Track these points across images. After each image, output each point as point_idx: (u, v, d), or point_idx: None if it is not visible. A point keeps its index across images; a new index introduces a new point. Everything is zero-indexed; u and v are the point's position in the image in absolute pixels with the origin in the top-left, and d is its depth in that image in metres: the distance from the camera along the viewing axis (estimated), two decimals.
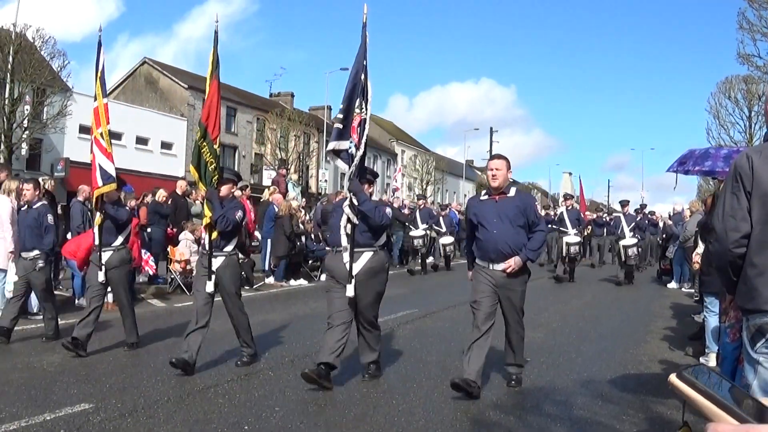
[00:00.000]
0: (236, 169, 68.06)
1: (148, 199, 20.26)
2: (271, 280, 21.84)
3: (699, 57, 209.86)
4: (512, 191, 9.19)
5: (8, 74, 41.14)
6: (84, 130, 48.10)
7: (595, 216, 38.00)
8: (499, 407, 8.30)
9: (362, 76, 9.41)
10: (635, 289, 23.10)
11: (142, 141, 57.27)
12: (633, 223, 26.05)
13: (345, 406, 8.20)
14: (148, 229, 19.26)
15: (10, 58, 41.23)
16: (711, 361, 10.90)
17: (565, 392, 9.14)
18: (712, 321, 11.11)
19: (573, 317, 16.36)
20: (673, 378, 1.80)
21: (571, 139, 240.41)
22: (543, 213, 30.80)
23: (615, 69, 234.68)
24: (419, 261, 28.99)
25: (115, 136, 48.94)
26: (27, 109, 42.50)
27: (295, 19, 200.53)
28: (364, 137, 9.37)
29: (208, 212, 10.24)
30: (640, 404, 8.61)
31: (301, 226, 22.74)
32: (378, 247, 9.52)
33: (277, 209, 21.77)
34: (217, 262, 10.37)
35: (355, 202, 9.21)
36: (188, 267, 18.67)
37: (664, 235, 32.37)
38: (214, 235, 10.33)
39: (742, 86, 53.59)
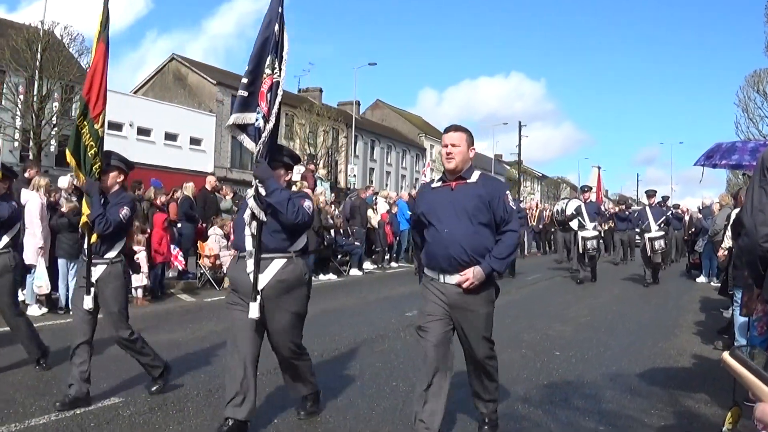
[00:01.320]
0: None
1: (178, 194, 20.32)
2: None
3: (727, 50, 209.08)
4: (474, 176, 6.73)
5: (37, 71, 41.44)
6: (112, 126, 48.30)
7: (617, 209, 36.17)
8: (527, 401, 8.31)
9: (276, 27, 7.19)
10: (664, 284, 22.98)
11: (170, 137, 57.56)
12: (661, 216, 23.59)
13: (374, 399, 8.20)
14: (178, 225, 19.33)
15: (39, 56, 41.52)
16: None
17: (594, 386, 9.15)
18: (740, 315, 11.08)
19: (601, 311, 16.33)
20: (725, 356, 1.80)
21: (600, 133, 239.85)
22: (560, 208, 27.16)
23: (644, 62, 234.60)
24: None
25: (143, 131, 49.22)
26: (56, 106, 42.83)
27: (324, 14, 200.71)
28: (276, 105, 7.10)
29: (85, 209, 7.91)
30: (669, 398, 8.60)
31: (330, 220, 22.80)
32: (294, 253, 7.14)
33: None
34: (97, 272, 8.03)
35: (262, 191, 6.94)
36: (217, 262, 18.75)
37: (692, 230, 32.24)
38: (94, 238, 7.95)
39: None
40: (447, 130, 6.97)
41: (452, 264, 6.59)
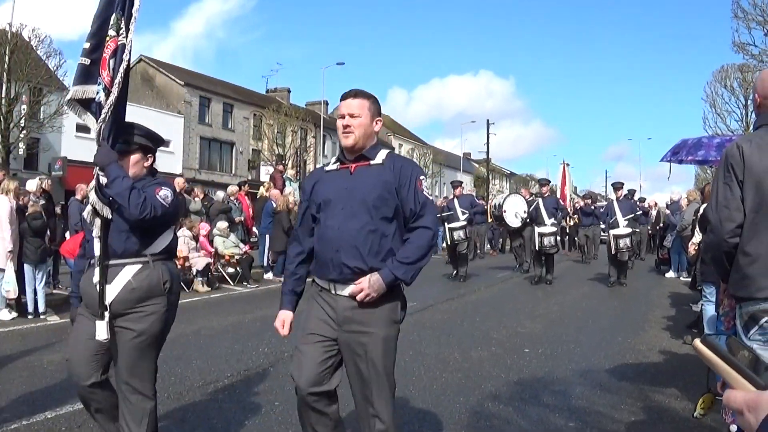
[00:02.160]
0: (234, 165, 68.52)
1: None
2: (269, 275, 21.89)
3: (694, 46, 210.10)
4: (380, 156, 5.29)
5: (4, 74, 41.17)
6: (81, 128, 48.11)
7: (582, 204, 33.59)
8: (497, 398, 8.32)
9: None
10: (633, 279, 23.01)
11: None
12: (630, 211, 22.11)
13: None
14: None
15: (6, 58, 41.27)
16: None
17: (564, 382, 9.18)
18: (710, 310, 11.11)
19: (571, 308, 16.40)
20: (697, 342, 1.82)
21: (570, 131, 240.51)
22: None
23: (612, 59, 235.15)
24: None
25: None
26: (24, 109, 42.57)
27: (293, 15, 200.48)
28: (121, 73, 5.63)
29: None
30: (639, 393, 8.64)
31: None
32: (152, 256, 5.65)
33: (274, 205, 21.78)
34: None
35: (103, 181, 5.46)
36: (187, 264, 18.70)
37: (660, 225, 32.37)
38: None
39: (737, 75, 53.59)
40: (345, 96, 5.36)
41: (344, 272, 5.03)
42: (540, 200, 22.65)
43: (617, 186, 23.00)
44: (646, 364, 10.50)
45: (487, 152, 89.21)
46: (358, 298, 4.97)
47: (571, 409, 7.89)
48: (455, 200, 23.60)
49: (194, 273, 18.89)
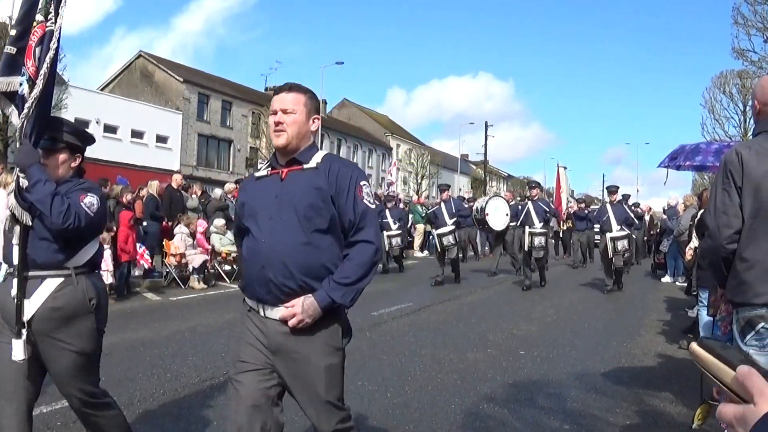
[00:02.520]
0: (231, 162, 68.52)
1: (144, 192, 20.24)
2: None
3: (694, 52, 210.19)
4: (315, 159, 4.70)
5: None
6: (80, 123, 48.20)
7: (575, 208, 32.80)
8: (493, 400, 8.33)
9: None
10: (629, 284, 22.96)
11: (137, 134, 57.34)
12: (624, 215, 20.93)
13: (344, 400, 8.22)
14: (144, 223, 19.28)
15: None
16: None
17: (559, 385, 9.18)
18: (706, 315, 11.16)
19: (566, 311, 16.39)
20: (693, 346, 1.81)
21: (568, 134, 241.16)
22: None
23: (612, 63, 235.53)
24: None
25: (110, 129, 48.97)
26: None
27: (293, 14, 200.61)
28: (47, 63, 4.99)
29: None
30: (634, 397, 8.65)
31: None
32: (75, 269, 5.15)
33: None
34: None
35: (23, 184, 4.94)
36: (183, 261, 18.74)
37: (653, 231, 32.43)
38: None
39: (736, 81, 53.65)
40: (278, 90, 4.84)
41: (272, 291, 4.43)
42: (530, 203, 21.94)
43: (612, 189, 22.13)
44: (642, 368, 10.51)
45: (485, 154, 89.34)
46: (290, 323, 4.37)
47: (566, 412, 7.90)
48: (442, 204, 22.93)
49: (191, 270, 18.92)
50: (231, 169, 68.00)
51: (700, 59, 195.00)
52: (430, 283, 21.96)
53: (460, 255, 25.05)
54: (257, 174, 4.95)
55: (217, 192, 25.06)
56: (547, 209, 22.19)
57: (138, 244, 17.73)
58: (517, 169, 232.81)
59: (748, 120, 52.41)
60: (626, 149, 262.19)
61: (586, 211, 30.58)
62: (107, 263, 15.49)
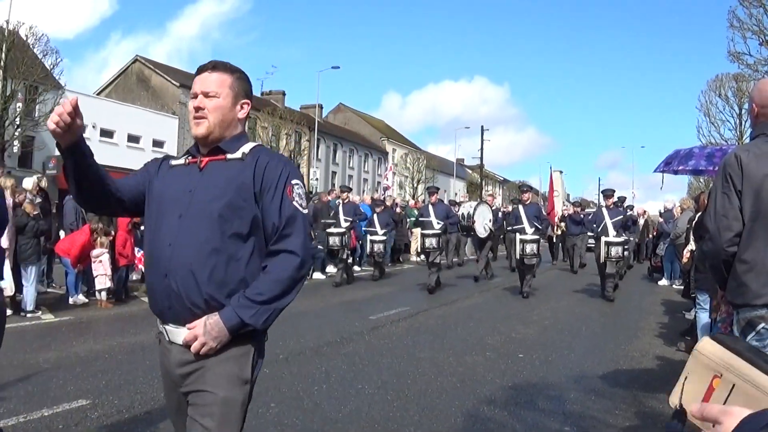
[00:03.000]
0: None
1: None
2: None
3: (690, 55, 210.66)
4: (242, 150, 3.94)
5: (0, 72, 41.13)
6: None
7: (571, 211, 32.25)
8: (493, 402, 8.36)
9: None
10: (626, 287, 23.04)
11: (133, 139, 57.25)
12: (620, 219, 20.19)
13: (340, 401, 8.24)
14: (142, 227, 19.27)
15: (3, 56, 41.23)
16: None
17: (558, 387, 9.21)
18: (704, 317, 11.19)
19: (564, 314, 16.42)
20: (707, 340, 1.82)
21: (563, 138, 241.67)
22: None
23: (607, 67, 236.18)
24: (340, 266, 23.09)
25: (106, 133, 48.96)
26: (19, 107, 42.51)
27: (289, 18, 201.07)
28: None
29: None
30: (632, 399, 8.69)
31: None
32: None
33: None
34: None
35: None
36: None
37: (651, 234, 32.50)
38: None
39: (732, 84, 53.89)
40: (200, 69, 3.99)
41: (174, 306, 3.67)
42: (521, 207, 20.97)
43: (608, 193, 21.37)
44: (640, 370, 10.54)
45: (481, 158, 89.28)
46: (192, 348, 3.58)
47: (565, 414, 7.93)
48: (430, 207, 22.07)
49: None
50: None
51: (696, 62, 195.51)
52: (420, 288, 21.45)
53: (443, 261, 24.39)
54: (173, 162, 4.11)
55: None
56: (539, 214, 20.95)
57: (136, 249, 17.74)
58: (512, 174, 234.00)
59: (743, 123, 52.61)
60: (622, 153, 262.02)
61: (582, 215, 30.07)
62: (105, 267, 15.54)
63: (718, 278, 4.98)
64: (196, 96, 3.88)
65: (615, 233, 19.90)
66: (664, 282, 24.84)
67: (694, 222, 12.84)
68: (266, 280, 3.63)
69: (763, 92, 4.91)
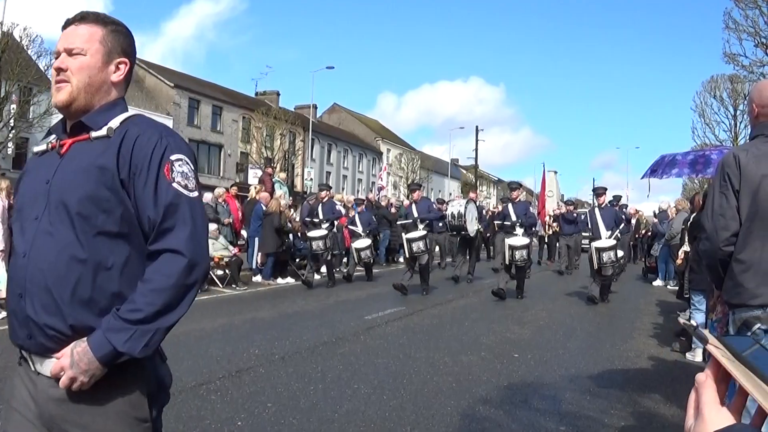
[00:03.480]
0: (222, 167, 68.46)
1: None
2: (258, 278, 21.86)
3: (685, 56, 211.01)
4: (110, 125, 3.02)
5: None
6: None
7: (563, 210, 30.90)
8: (488, 402, 8.37)
9: None
10: (621, 287, 23.03)
11: None
12: (613, 219, 18.89)
13: (336, 401, 8.25)
14: None
15: None
16: (697, 356, 11.04)
17: (554, 387, 9.23)
18: (699, 318, 11.21)
19: (559, 314, 16.43)
20: (711, 340, 1.79)
21: (559, 138, 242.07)
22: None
23: (603, 68, 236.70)
24: (312, 268, 21.99)
25: None
26: (13, 108, 42.53)
27: (284, 18, 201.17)
28: None
29: None
30: (628, 399, 8.71)
31: (289, 224, 22.72)
32: None
33: (264, 207, 21.76)
34: None
35: None
36: None
37: (638, 234, 32.59)
38: None
39: (727, 85, 54.11)
40: (67, 22, 3.14)
41: (34, 334, 2.88)
42: (510, 206, 19.85)
43: (599, 191, 19.70)
44: (635, 370, 10.57)
45: (476, 158, 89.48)
46: (61, 384, 2.78)
47: (561, 414, 7.94)
48: (413, 206, 20.86)
49: None
50: (221, 174, 67.93)
51: (691, 64, 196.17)
52: (422, 292, 19.92)
53: (436, 262, 23.63)
54: (36, 148, 3.31)
55: (207, 196, 25.04)
56: (526, 213, 19.79)
57: None
58: (507, 174, 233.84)
59: (738, 124, 52.82)
60: (616, 154, 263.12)
61: (574, 215, 29.50)
62: None
63: (714, 278, 5.01)
64: (58, 54, 3.07)
65: (608, 233, 18.57)
66: (658, 283, 24.90)
67: (689, 223, 12.89)
68: (144, 292, 2.81)
69: (763, 92, 4.94)
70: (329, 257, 22.01)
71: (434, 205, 24.77)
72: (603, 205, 19.35)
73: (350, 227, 24.30)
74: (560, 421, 7.68)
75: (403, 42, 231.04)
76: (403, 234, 20.90)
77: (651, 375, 10.30)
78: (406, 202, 25.42)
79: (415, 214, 20.41)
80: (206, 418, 7.45)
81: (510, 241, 18.83)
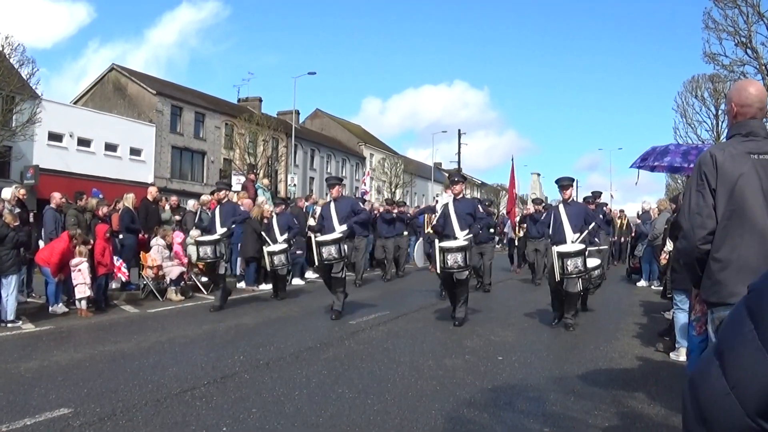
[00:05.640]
0: (205, 174, 68.38)
1: (120, 205, 20.25)
2: (242, 285, 21.84)
3: (666, 57, 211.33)
4: None
5: None
6: (53, 137, 48.39)
7: (533, 210, 26.66)
8: (473, 405, 8.39)
9: None
10: (604, 288, 22.91)
11: (110, 147, 57.18)
12: (581, 217, 14.89)
13: (321, 406, 8.25)
14: (120, 236, 19.25)
15: None
16: (681, 356, 11.07)
17: (538, 389, 9.24)
18: (682, 317, 11.25)
19: (543, 316, 16.37)
20: None
21: (542, 141, 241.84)
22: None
23: (585, 69, 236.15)
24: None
25: (84, 142, 48.82)
26: None
27: (266, 25, 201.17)
28: None
29: None
30: (612, 399, 8.73)
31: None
32: None
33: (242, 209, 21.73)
34: None
35: None
36: (160, 273, 18.72)
37: (627, 236, 32.63)
38: None
39: (708, 85, 54.38)
40: None
41: None
42: (451, 204, 15.58)
43: (564, 183, 15.13)
44: (619, 370, 10.60)
45: (459, 162, 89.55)
46: None
47: (545, 415, 7.96)
48: (332, 205, 16.45)
49: (168, 282, 18.89)
50: (205, 180, 67.86)
51: (672, 64, 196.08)
52: (330, 316, 15.73)
53: (345, 275, 16.66)
54: None
55: (191, 203, 25.01)
56: (472, 212, 15.48)
57: (115, 257, 17.72)
58: (491, 177, 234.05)
59: (720, 124, 53.07)
60: (600, 155, 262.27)
61: (544, 215, 21.99)
62: (85, 276, 15.54)
63: (692, 276, 5.04)
64: None
65: (575, 236, 14.59)
66: (642, 283, 24.91)
67: (670, 223, 12.93)
68: None
69: (742, 92, 4.99)
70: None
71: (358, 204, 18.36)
72: (569, 201, 15.17)
73: (263, 233, 20.47)
74: (545, 422, 7.70)
75: (386, 47, 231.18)
76: (313, 238, 16.48)
77: (635, 375, 10.33)
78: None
79: (334, 215, 16.18)
80: (191, 424, 7.47)
81: (443, 243, 14.87)
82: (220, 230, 17.68)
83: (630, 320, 16.08)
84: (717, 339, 1.74)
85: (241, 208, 20.62)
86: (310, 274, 25.25)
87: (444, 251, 14.68)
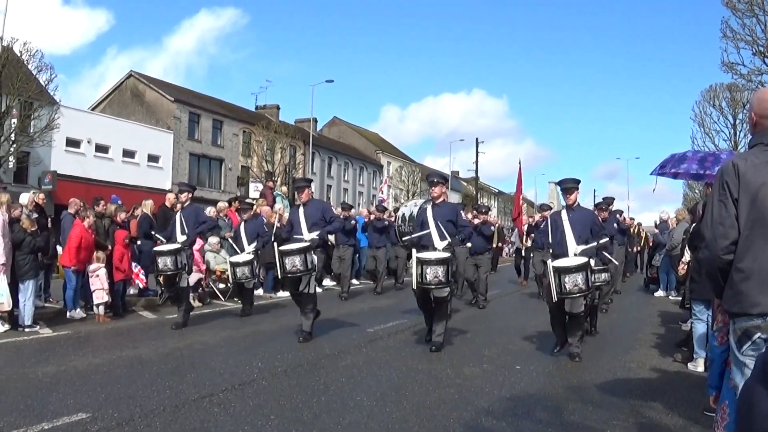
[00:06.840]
0: (223, 181, 68.49)
1: (138, 211, 20.27)
2: (260, 291, 21.81)
3: (684, 66, 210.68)
4: None
5: None
6: (71, 143, 48.56)
7: (539, 218, 24.74)
8: (491, 414, 8.36)
9: None
10: (622, 298, 22.97)
11: (128, 154, 57.36)
12: (587, 226, 12.62)
13: (339, 414, 8.24)
14: (138, 242, 19.26)
15: None
16: (699, 366, 11.02)
17: (556, 398, 9.23)
18: (700, 328, 11.19)
19: None
20: None
21: (561, 150, 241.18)
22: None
23: (604, 78, 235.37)
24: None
25: (102, 149, 48.98)
26: (14, 123, 42.52)
27: (285, 32, 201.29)
28: None
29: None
30: (630, 409, 8.69)
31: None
32: None
33: (265, 220, 21.73)
34: None
35: None
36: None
37: (640, 246, 32.50)
38: None
39: (726, 94, 54.27)
40: None
41: None
42: (429, 209, 13.52)
43: (568, 186, 13.05)
44: (637, 380, 10.56)
45: (476, 170, 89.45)
46: None
47: (564, 425, 7.94)
48: (300, 209, 14.56)
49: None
50: (222, 187, 68.00)
51: (690, 73, 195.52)
52: (298, 338, 13.52)
53: (314, 290, 14.31)
54: None
55: (209, 210, 25.01)
56: (453, 220, 13.30)
57: (133, 263, 17.75)
58: (508, 186, 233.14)
59: (738, 133, 52.96)
60: (618, 164, 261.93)
61: (543, 223, 19.75)
62: (103, 281, 15.58)
63: (714, 287, 5.01)
64: None
65: (578, 250, 12.34)
66: (660, 293, 24.79)
67: (689, 233, 12.88)
68: None
69: (762, 102, 4.96)
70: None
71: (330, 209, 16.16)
72: (574, 206, 12.93)
73: (231, 240, 19.33)
74: (564, 431, 7.69)
75: (406, 55, 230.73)
76: (275, 248, 15.09)
77: (653, 385, 10.29)
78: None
79: (302, 220, 14.25)
80: (209, 431, 7.46)
81: (421, 254, 12.88)
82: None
83: (648, 330, 16.03)
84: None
85: (209, 213, 20.59)
86: (327, 282, 25.21)
87: (422, 263, 12.64)
